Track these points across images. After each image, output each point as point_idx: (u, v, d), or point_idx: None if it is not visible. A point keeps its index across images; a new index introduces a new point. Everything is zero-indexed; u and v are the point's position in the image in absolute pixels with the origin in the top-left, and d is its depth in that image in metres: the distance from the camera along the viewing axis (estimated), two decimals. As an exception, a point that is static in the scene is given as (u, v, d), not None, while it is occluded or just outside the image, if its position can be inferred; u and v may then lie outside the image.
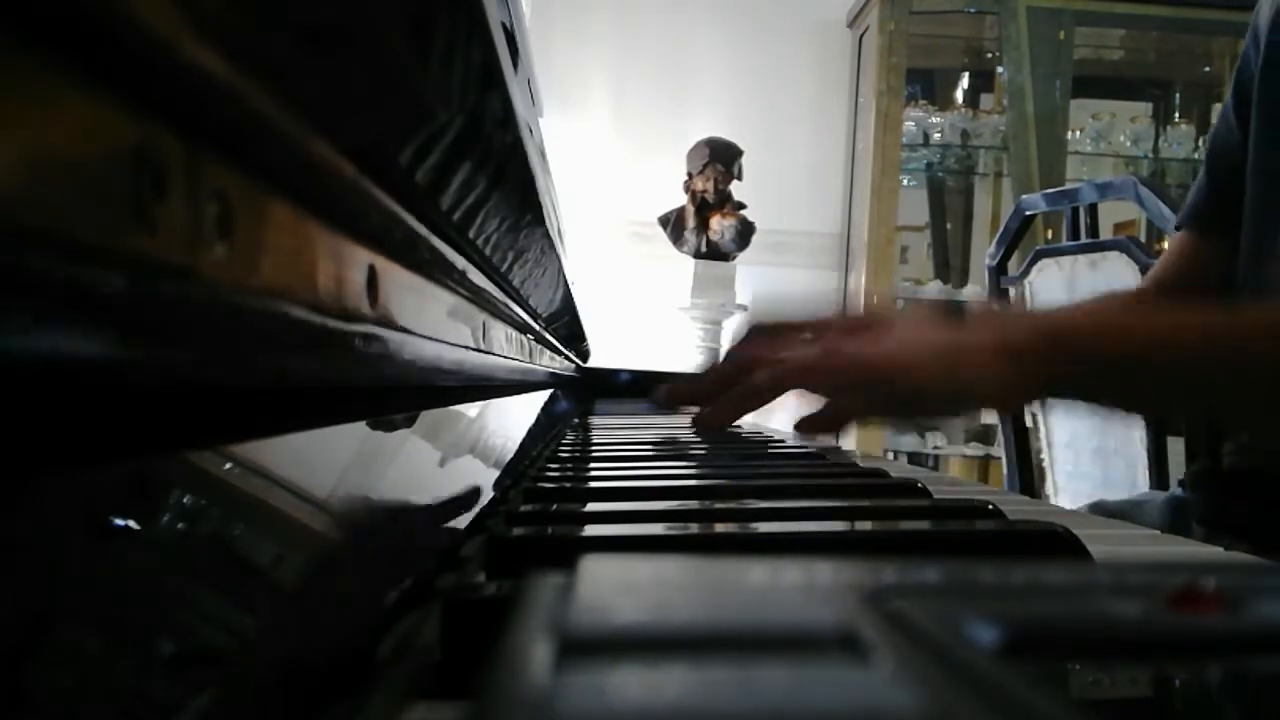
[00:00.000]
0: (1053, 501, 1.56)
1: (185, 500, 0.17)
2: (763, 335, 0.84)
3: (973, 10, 3.32)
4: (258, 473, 0.20)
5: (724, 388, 0.72)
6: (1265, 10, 0.81)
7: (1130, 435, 1.43)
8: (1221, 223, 0.85)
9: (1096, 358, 0.59)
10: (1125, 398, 0.65)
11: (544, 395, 0.89)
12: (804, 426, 0.68)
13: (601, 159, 3.23)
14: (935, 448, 3.18)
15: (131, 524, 0.15)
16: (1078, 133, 3.28)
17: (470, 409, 0.46)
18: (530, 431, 0.66)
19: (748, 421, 0.93)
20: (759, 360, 0.69)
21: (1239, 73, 0.84)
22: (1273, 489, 0.76)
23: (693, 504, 0.38)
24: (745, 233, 2.91)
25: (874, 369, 0.59)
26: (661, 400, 0.76)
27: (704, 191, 2.89)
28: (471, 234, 0.41)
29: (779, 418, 0.91)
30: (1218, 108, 0.91)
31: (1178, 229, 0.93)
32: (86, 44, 0.12)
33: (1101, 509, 0.92)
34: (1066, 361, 0.59)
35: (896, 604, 0.12)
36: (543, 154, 0.64)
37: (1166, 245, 2.06)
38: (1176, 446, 1.36)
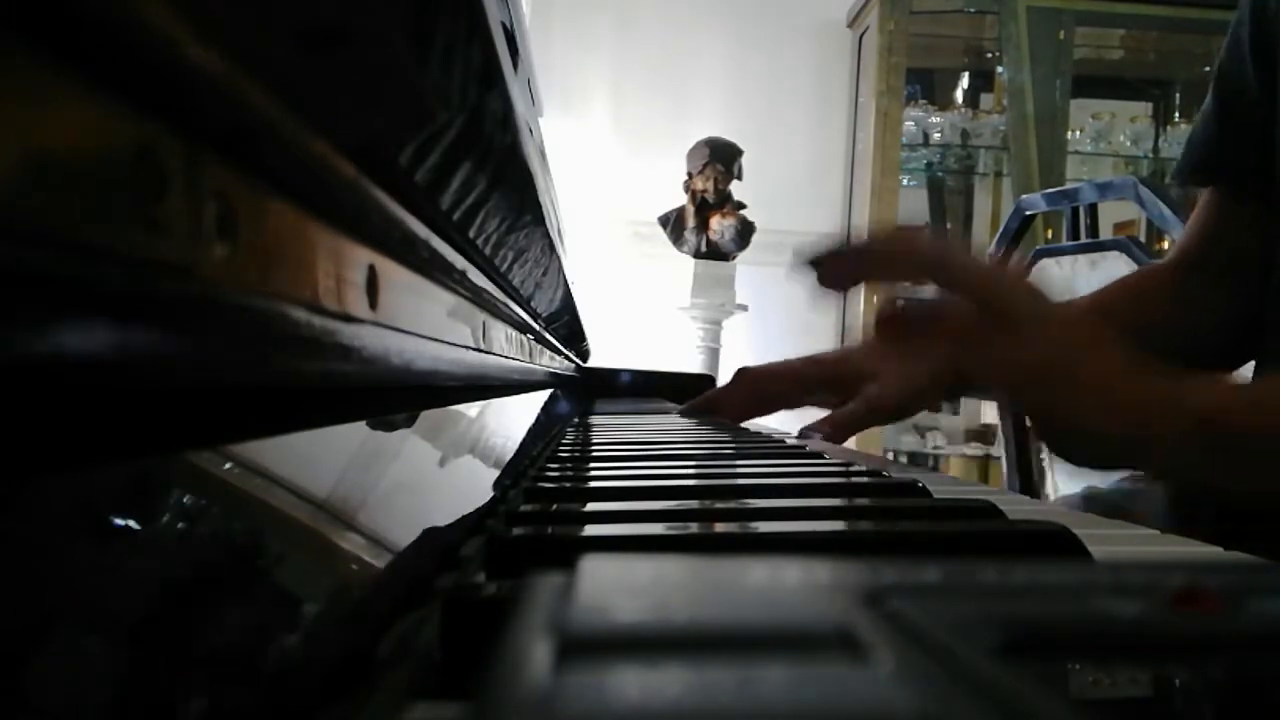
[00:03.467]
0: (1053, 500, 1.56)
1: (185, 500, 0.17)
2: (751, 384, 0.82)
3: (973, 10, 3.32)
4: (258, 473, 0.20)
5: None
6: None
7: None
8: (1240, 173, 0.77)
9: (1249, 440, 0.52)
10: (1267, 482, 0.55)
11: (544, 395, 0.89)
12: (829, 426, 0.65)
13: (601, 159, 3.23)
14: (935, 448, 3.18)
15: (131, 524, 0.15)
16: (1078, 133, 3.28)
17: (470, 409, 0.46)
18: (530, 431, 0.66)
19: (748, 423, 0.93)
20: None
21: (1255, 7, 0.75)
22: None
23: (693, 504, 0.38)
24: (745, 233, 2.92)
25: (1004, 378, 0.54)
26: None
27: (704, 191, 2.90)
28: (471, 234, 0.41)
29: (777, 417, 0.91)
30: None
31: (1177, 180, 0.86)
32: (87, 44, 0.12)
33: (1094, 496, 0.90)
34: (1217, 447, 0.52)
35: (896, 604, 0.12)
36: (543, 154, 0.64)
37: (1166, 245, 2.06)
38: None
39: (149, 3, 0.12)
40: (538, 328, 0.83)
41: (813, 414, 0.83)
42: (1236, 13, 0.78)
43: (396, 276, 0.29)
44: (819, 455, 0.61)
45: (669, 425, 0.92)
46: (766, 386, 0.88)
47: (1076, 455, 0.56)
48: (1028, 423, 1.64)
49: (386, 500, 0.28)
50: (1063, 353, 0.56)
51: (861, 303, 3.11)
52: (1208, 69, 3.46)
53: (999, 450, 2.15)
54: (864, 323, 3.09)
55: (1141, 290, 0.86)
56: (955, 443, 3.20)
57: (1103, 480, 1.00)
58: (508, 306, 0.60)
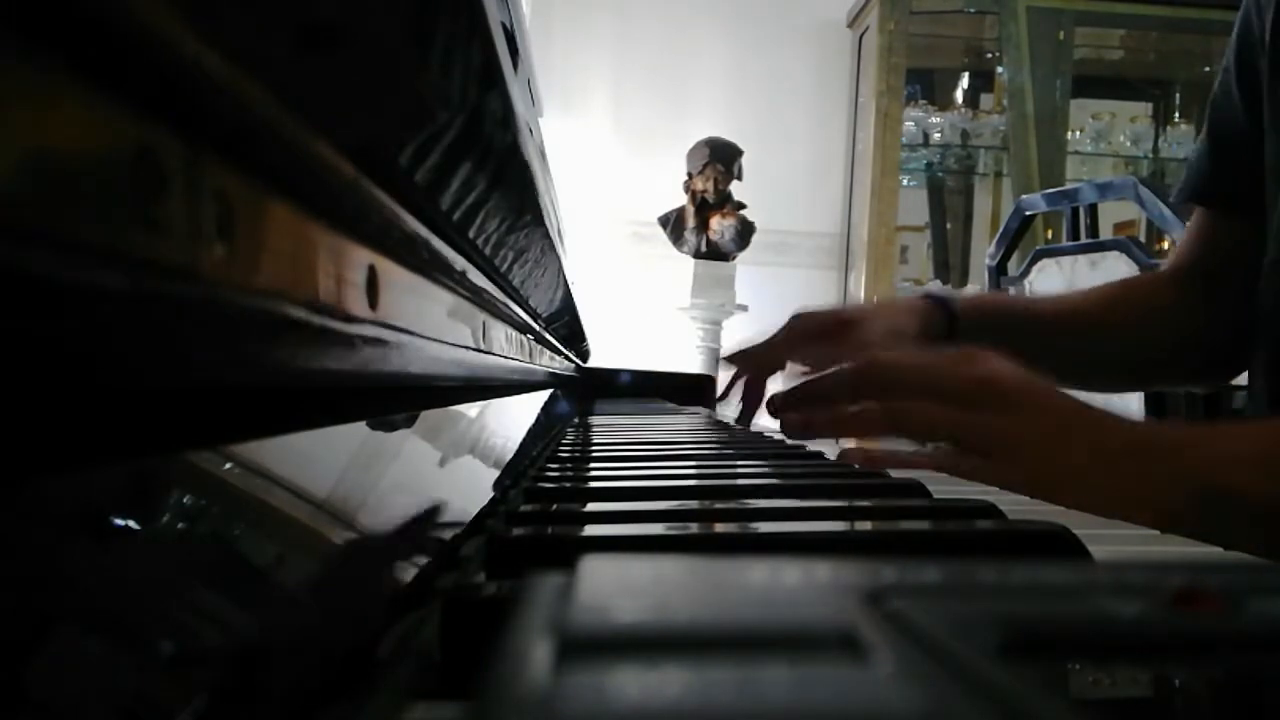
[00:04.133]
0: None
1: (185, 500, 0.17)
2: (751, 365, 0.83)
3: (973, 10, 3.32)
4: (258, 473, 0.20)
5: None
6: None
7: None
8: (1228, 193, 0.81)
9: (1256, 506, 0.50)
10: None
11: (544, 395, 0.89)
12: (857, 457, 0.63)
13: (601, 159, 3.23)
14: (935, 448, 3.17)
15: (131, 524, 0.15)
16: (1078, 133, 3.28)
17: (470, 409, 0.46)
18: (530, 431, 0.66)
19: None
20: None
21: (1241, 37, 0.79)
22: None
23: (693, 504, 0.38)
24: (745, 233, 2.92)
25: (1006, 478, 0.52)
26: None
27: (704, 191, 2.90)
28: (471, 234, 0.41)
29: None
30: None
31: (1179, 203, 0.90)
32: (87, 44, 0.12)
33: None
34: (1224, 513, 0.51)
35: (896, 604, 0.12)
36: (543, 154, 0.64)
37: (1167, 245, 2.06)
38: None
39: (149, 3, 0.12)
40: (538, 328, 0.83)
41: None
42: (1228, 46, 0.81)
43: (396, 276, 0.29)
44: (819, 455, 0.60)
45: (669, 425, 0.92)
46: (773, 360, 0.87)
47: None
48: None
49: (386, 500, 0.28)
50: (1045, 438, 0.54)
51: (861, 303, 3.11)
52: (1208, 69, 3.47)
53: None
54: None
55: (1142, 294, 0.88)
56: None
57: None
58: (508, 306, 0.60)
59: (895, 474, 0.49)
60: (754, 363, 0.87)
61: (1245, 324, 0.78)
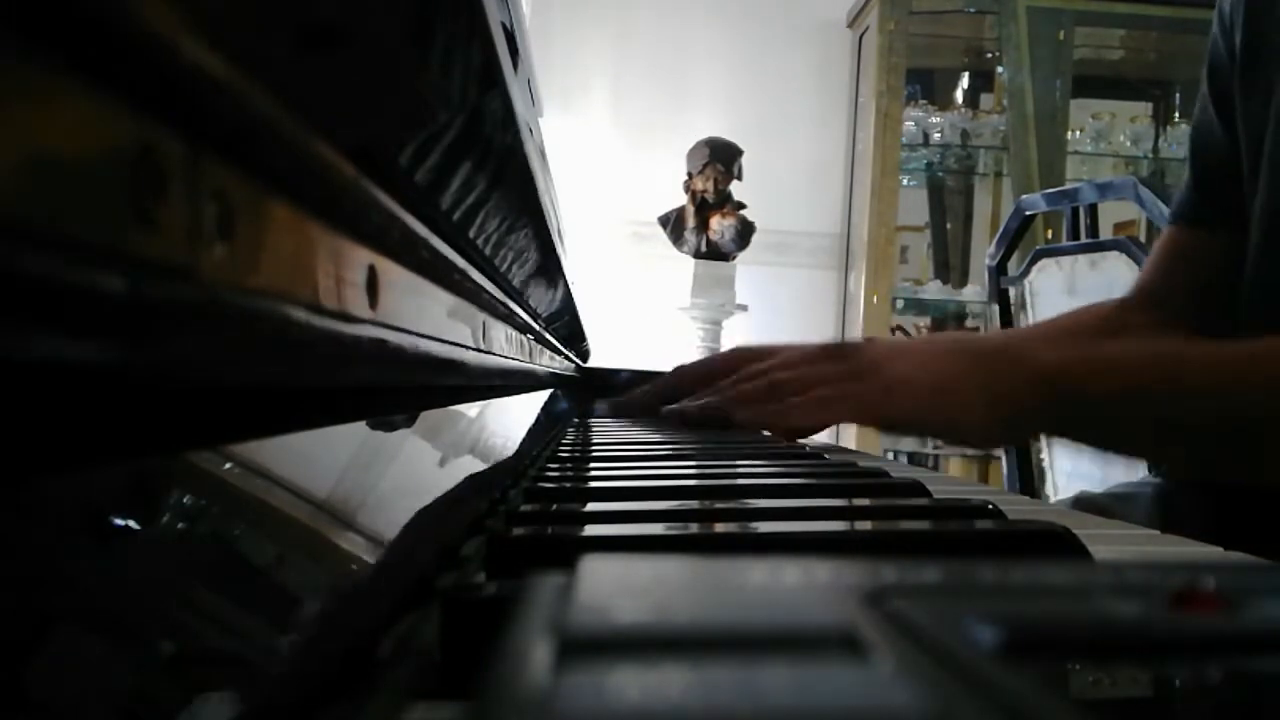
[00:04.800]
0: (1052, 501, 1.56)
1: (185, 500, 0.17)
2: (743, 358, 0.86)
3: (973, 10, 3.32)
4: (258, 473, 0.20)
5: (690, 387, 0.75)
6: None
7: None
8: (1208, 215, 0.83)
9: (1087, 402, 0.59)
10: (1117, 440, 0.65)
11: (544, 395, 0.89)
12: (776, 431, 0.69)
13: (601, 159, 3.23)
14: (935, 448, 3.17)
15: (131, 524, 0.15)
16: (1078, 133, 3.28)
17: (470, 409, 0.46)
18: (530, 431, 0.66)
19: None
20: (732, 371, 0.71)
21: (1212, 61, 0.82)
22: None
23: (693, 504, 0.38)
24: (745, 233, 2.92)
25: (860, 409, 0.60)
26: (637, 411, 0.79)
27: (704, 191, 2.90)
28: (471, 234, 0.41)
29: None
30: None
31: (1171, 224, 0.92)
32: (87, 44, 0.12)
33: (1085, 502, 0.91)
34: (1057, 407, 0.59)
35: (896, 604, 0.12)
36: (543, 154, 0.64)
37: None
38: (1176, 446, 1.35)
39: (149, 3, 0.12)
40: (538, 328, 0.83)
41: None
42: (1202, 75, 0.84)
43: (396, 276, 0.29)
44: (819, 456, 0.61)
45: (669, 425, 0.92)
46: (702, 384, 0.89)
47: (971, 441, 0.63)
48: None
49: (386, 500, 0.28)
50: (876, 369, 0.63)
51: (862, 302, 3.11)
52: (1208, 69, 3.47)
53: (999, 450, 2.15)
54: (863, 325, 3.09)
55: (1101, 320, 0.89)
56: (955, 443, 3.20)
57: (1095, 485, 1.02)
58: (508, 306, 0.60)
59: (895, 474, 0.49)
60: (685, 379, 0.90)
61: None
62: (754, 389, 0.69)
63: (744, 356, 0.84)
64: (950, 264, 3.56)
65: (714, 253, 2.91)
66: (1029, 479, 1.63)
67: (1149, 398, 0.59)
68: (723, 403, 0.73)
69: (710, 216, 2.90)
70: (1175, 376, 0.59)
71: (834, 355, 0.66)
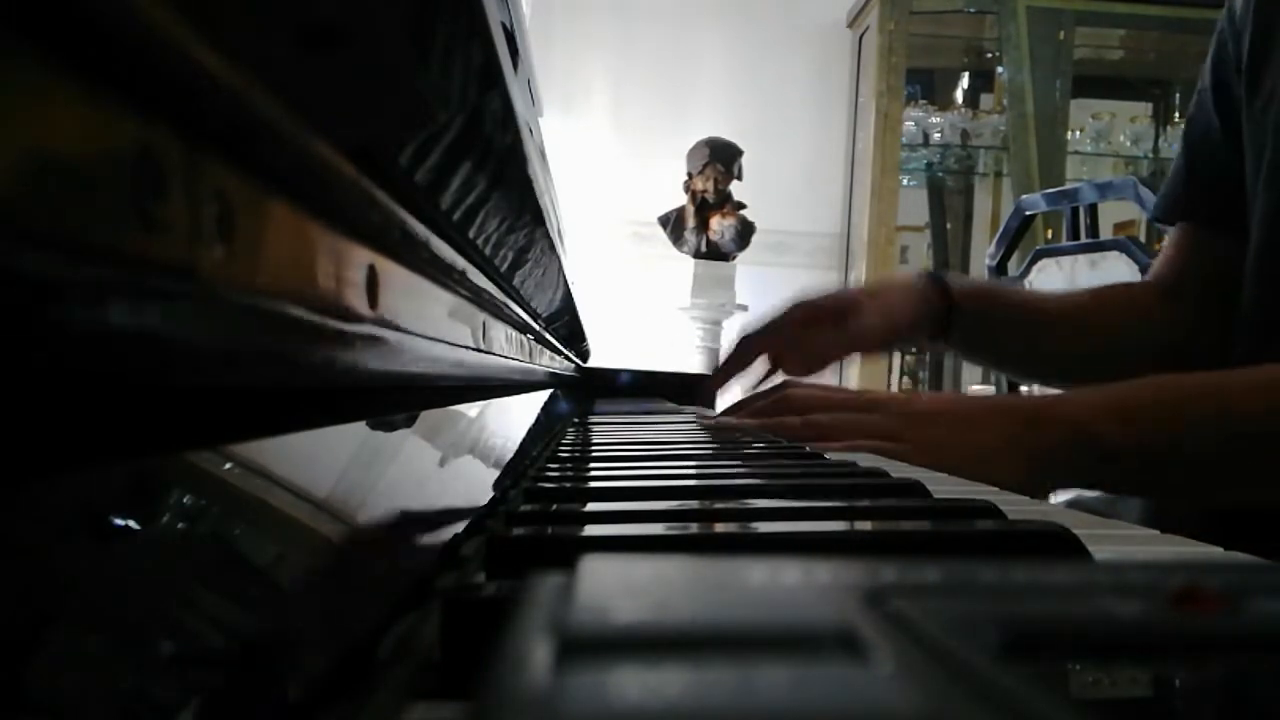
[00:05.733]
0: (1052, 501, 1.56)
1: (185, 500, 0.17)
2: (754, 349, 0.87)
3: (973, 10, 3.32)
4: (258, 473, 0.20)
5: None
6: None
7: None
8: (1202, 212, 0.84)
9: (1116, 450, 0.60)
10: (1164, 489, 0.66)
11: (544, 395, 0.89)
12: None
13: (601, 159, 3.23)
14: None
15: (131, 524, 0.15)
16: (1078, 133, 3.28)
17: (470, 409, 0.46)
18: (530, 431, 0.66)
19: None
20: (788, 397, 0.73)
21: (1216, 59, 0.83)
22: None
23: (693, 504, 0.38)
24: (745, 233, 2.92)
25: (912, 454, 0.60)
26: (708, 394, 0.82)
27: (704, 191, 2.90)
28: (471, 234, 0.41)
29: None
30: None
31: (1155, 219, 0.93)
32: (87, 44, 0.12)
33: (1081, 504, 0.92)
34: (1084, 453, 0.60)
35: (896, 604, 0.12)
36: (543, 154, 0.64)
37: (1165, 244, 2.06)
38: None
39: (149, 3, 0.12)
40: (538, 328, 0.83)
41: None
42: (1202, 70, 0.84)
43: (396, 276, 0.29)
44: (819, 455, 0.61)
45: (669, 425, 0.92)
46: (771, 345, 0.92)
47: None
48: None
49: (386, 500, 0.28)
50: (932, 413, 0.65)
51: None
52: (1208, 69, 3.47)
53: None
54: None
55: (1131, 300, 0.91)
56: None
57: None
58: (508, 306, 0.60)
59: (895, 474, 0.49)
60: (753, 346, 0.90)
61: (1228, 339, 0.80)
62: (789, 426, 0.69)
63: (807, 311, 0.87)
64: (950, 264, 3.56)
65: (714, 253, 2.91)
66: (1029, 479, 1.63)
67: (1175, 442, 0.61)
68: (757, 429, 0.74)
69: (710, 216, 2.90)
70: (1197, 418, 0.61)
71: (875, 407, 0.67)
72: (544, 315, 0.88)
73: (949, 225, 3.61)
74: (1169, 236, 0.92)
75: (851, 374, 3.02)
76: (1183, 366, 0.87)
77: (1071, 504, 0.90)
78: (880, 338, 0.88)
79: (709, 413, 0.98)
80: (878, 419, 0.65)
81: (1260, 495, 0.64)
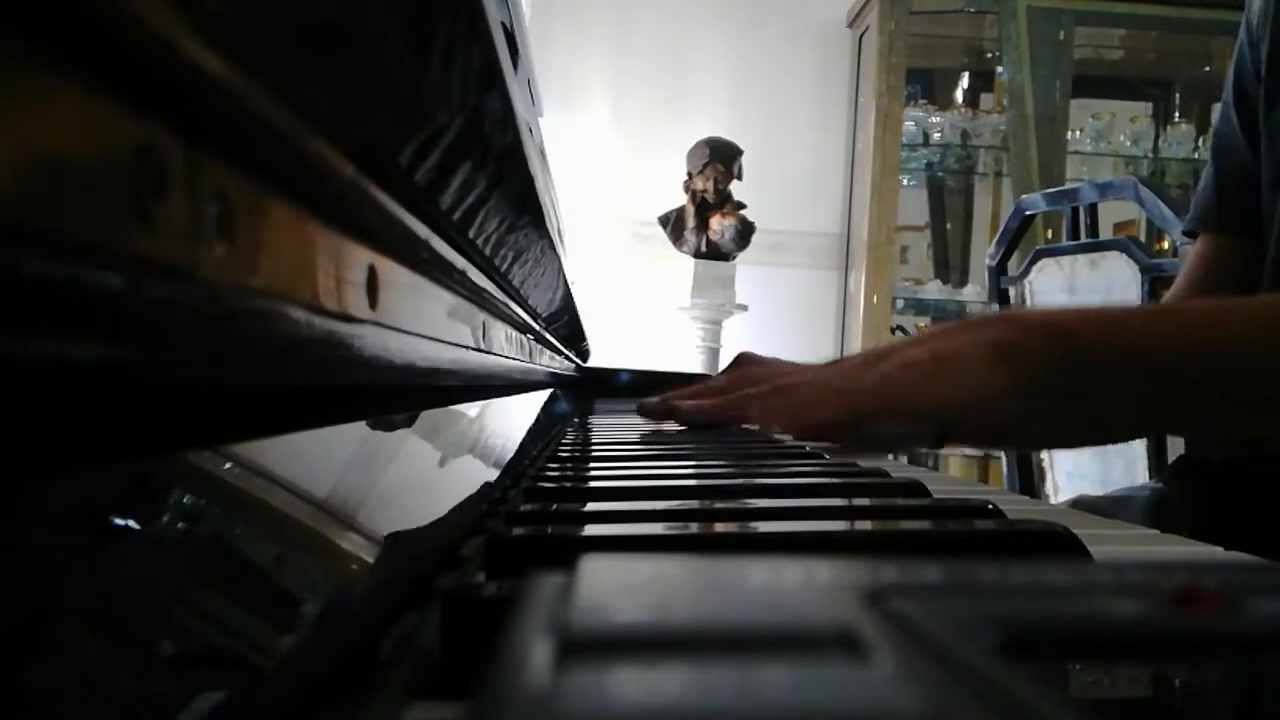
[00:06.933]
0: (1053, 501, 1.56)
1: (185, 500, 0.17)
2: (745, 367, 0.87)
3: (973, 10, 3.31)
4: (258, 473, 0.20)
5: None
6: (1258, 4, 0.80)
7: (1130, 434, 1.43)
8: (1235, 222, 0.84)
9: (1099, 353, 0.55)
10: (1131, 400, 0.61)
11: (544, 395, 0.89)
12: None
13: (601, 159, 3.22)
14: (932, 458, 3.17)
15: (131, 524, 0.15)
16: (1078, 133, 3.28)
17: (470, 409, 0.46)
18: (530, 431, 0.66)
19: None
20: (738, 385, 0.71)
21: (1237, 69, 0.84)
22: (1264, 485, 0.75)
23: (693, 504, 0.38)
24: (745, 233, 2.91)
25: (872, 398, 0.56)
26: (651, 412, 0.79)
27: (704, 191, 2.89)
28: (471, 234, 0.41)
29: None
30: (1218, 108, 0.89)
31: (1186, 233, 0.92)
32: (87, 44, 0.12)
33: (1084, 505, 0.92)
34: (1065, 357, 0.54)
35: (896, 604, 0.12)
36: (543, 154, 0.64)
37: (1166, 245, 2.06)
38: (1176, 446, 1.36)
39: (149, 2, 0.12)
40: (538, 328, 0.83)
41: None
42: (1227, 78, 0.85)
43: (396, 276, 0.29)
44: (819, 455, 0.61)
45: (669, 425, 0.92)
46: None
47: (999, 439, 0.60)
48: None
49: (386, 500, 0.28)
50: (885, 355, 0.61)
51: (861, 302, 3.11)
52: (1208, 69, 3.47)
53: (999, 450, 2.15)
54: (863, 325, 3.09)
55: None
56: (955, 443, 3.19)
57: (1095, 485, 1.02)
58: (508, 306, 0.60)
59: (895, 474, 0.49)
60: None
61: None
62: (760, 391, 0.68)
63: (747, 368, 0.84)
64: (950, 264, 3.56)
65: (714, 253, 2.91)
66: (1029, 479, 1.63)
67: (1157, 352, 0.54)
68: (713, 406, 0.73)
69: (710, 216, 2.89)
70: (1177, 331, 0.55)
71: (833, 367, 0.65)
72: (544, 315, 0.88)
73: (949, 225, 3.61)
74: (1190, 250, 0.92)
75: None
76: None
77: (1073, 504, 0.90)
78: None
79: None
80: (849, 368, 0.62)
81: (1250, 425, 0.60)
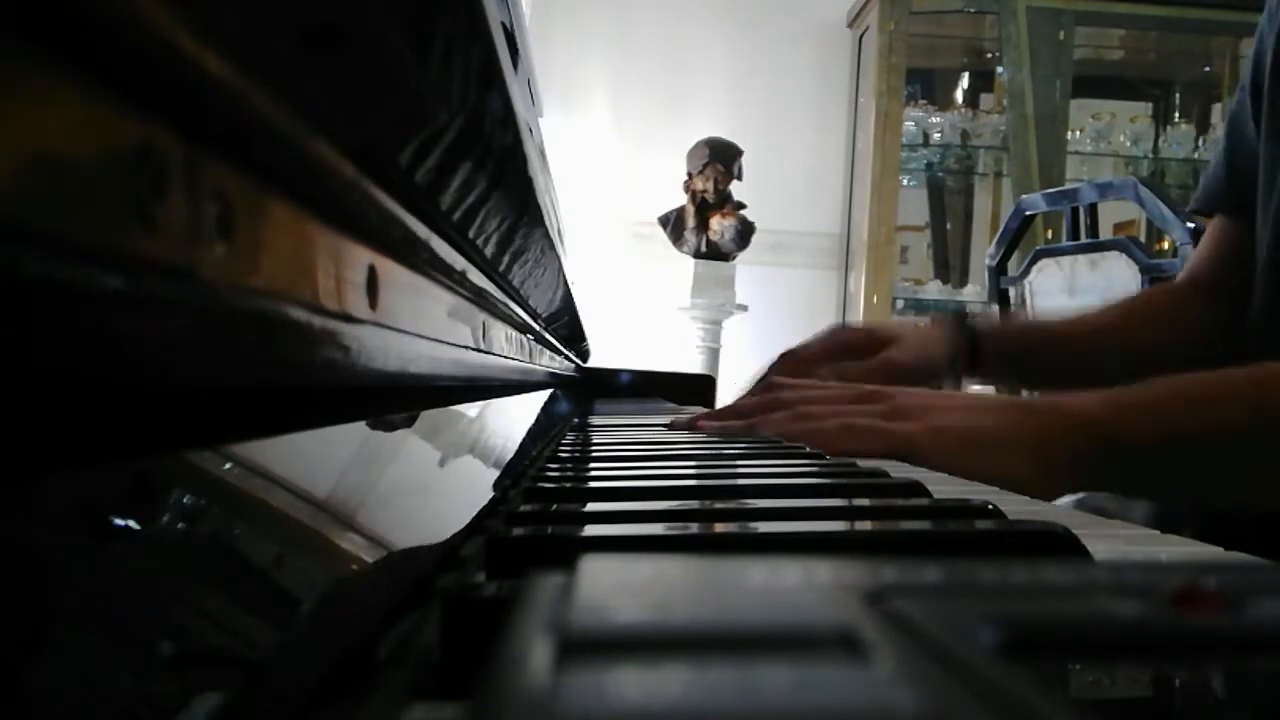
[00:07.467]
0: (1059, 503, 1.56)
1: (185, 500, 0.17)
2: (788, 365, 0.87)
3: (973, 10, 3.32)
4: (258, 473, 0.20)
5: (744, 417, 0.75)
6: None
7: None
8: (1237, 204, 0.85)
9: (1135, 448, 0.58)
10: (1170, 485, 0.63)
11: (544, 395, 0.89)
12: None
13: (601, 159, 3.23)
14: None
15: (131, 524, 0.15)
16: (1078, 133, 3.28)
17: (470, 409, 0.46)
18: (530, 431, 0.66)
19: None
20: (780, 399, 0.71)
21: (1255, 60, 0.84)
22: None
23: (693, 504, 0.38)
24: (745, 233, 2.92)
25: (896, 448, 0.58)
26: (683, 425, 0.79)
27: (704, 191, 2.90)
28: (471, 234, 0.41)
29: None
30: (1218, 108, 0.91)
31: (1193, 211, 0.93)
32: (87, 44, 0.12)
33: (1084, 505, 0.92)
34: (1103, 454, 0.58)
35: (896, 604, 0.12)
36: (543, 154, 0.64)
37: (1166, 245, 2.06)
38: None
39: (149, 3, 0.12)
40: (538, 328, 0.83)
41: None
42: (1245, 64, 0.85)
43: (396, 276, 0.29)
44: (820, 456, 0.60)
45: (669, 426, 0.92)
46: (807, 366, 0.92)
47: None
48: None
49: (386, 500, 0.28)
50: (948, 411, 0.62)
51: (861, 303, 3.11)
52: (1208, 69, 3.47)
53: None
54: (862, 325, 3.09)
55: (1160, 305, 0.91)
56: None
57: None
58: (508, 306, 0.60)
59: (895, 474, 0.49)
60: (788, 364, 0.91)
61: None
62: (780, 418, 0.67)
63: (846, 337, 0.90)
64: (950, 264, 3.56)
65: (714, 253, 2.91)
66: (1029, 479, 1.63)
67: (1181, 433, 0.58)
68: (737, 428, 0.73)
69: (710, 216, 2.90)
70: (1202, 408, 0.59)
71: (870, 397, 0.66)
72: (544, 315, 0.88)
73: (949, 225, 3.61)
74: (1205, 232, 0.93)
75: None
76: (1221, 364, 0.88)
77: (1079, 505, 0.90)
78: (915, 369, 0.88)
79: (698, 410, 0.97)
80: (879, 408, 0.63)
81: (1273, 495, 0.63)
